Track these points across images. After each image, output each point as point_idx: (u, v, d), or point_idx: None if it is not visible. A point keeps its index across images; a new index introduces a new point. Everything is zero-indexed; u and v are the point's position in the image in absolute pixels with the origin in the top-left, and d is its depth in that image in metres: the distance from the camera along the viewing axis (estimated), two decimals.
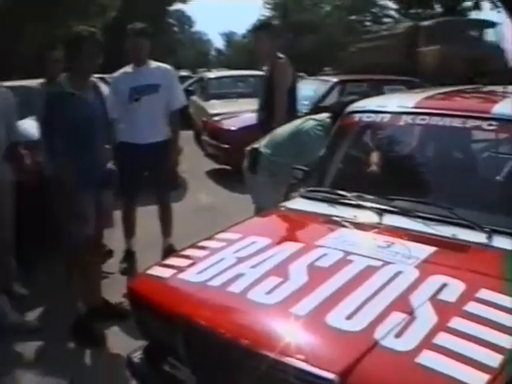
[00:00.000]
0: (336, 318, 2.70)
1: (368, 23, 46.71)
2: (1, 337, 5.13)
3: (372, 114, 4.39)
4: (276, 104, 6.45)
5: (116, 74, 6.81)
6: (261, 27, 6.83)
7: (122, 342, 5.00)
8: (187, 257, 3.59)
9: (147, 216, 7.06)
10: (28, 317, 5.74)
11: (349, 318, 2.69)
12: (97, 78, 5.57)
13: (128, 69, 6.69)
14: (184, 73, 29.62)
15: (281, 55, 6.69)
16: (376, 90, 11.90)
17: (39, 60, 6.35)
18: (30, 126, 6.21)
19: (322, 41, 47.10)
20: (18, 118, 5.89)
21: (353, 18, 47.47)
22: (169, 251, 6.44)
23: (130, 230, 6.91)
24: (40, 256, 6.62)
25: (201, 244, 3.74)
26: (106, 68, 6.07)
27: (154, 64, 6.70)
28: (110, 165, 5.33)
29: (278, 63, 6.62)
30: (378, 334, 2.56)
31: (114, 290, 5.88)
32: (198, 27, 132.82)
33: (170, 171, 6.84)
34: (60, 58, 5.77)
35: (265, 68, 6.92)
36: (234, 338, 2.79)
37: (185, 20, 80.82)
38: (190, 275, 3.33)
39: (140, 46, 6.48)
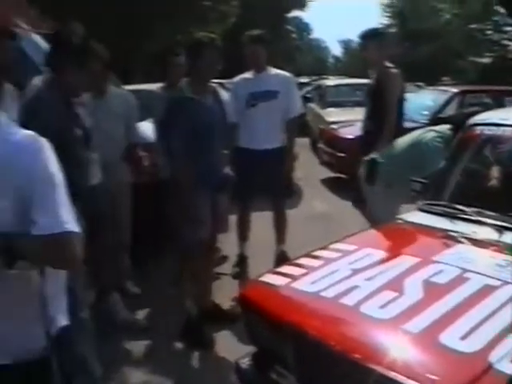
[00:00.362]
0: (450, 337, 2.63)
1: (489, 32, 45.54)
2: (112, 334, 5.22)
3: (494, 127, 4.27)
4: (386, 114, 6.35)
5: (236, 79, 6.88)
6: (368, 35, 6.75)
7: (229, 346, 5.04)
8: (301, 266, 3.58)
9: (261, 221, 7.09)
10: (139, 315, 5.86)
11: (463, 338, 2.62)
12: (215, 83, 5.63)
13: (248, 74, 6.74)
14: (303, 80, 29.61)
15: (389, 64, 6.59)
16: (496, 101, 11.59)
17: (162, 64, 6.47)
18: (147, 129, 6.34)
19: (441, 50, 46.20)
20: (137, 120, 6.03)
21: (473, 26, 46.34)
22: (281, 258, 6.48)
23: (243, 234, 6.96)
24: (154, 256, 6.78)
25: (315, 253, 3.72)
26: (225, 74, 6.14)
27: (273, 71, 6.72)
28: (227, 169, 5.38)
29: (388, 72, 6.52)
30: (492, 356, 2.47)
31: (224, 293, 5.94)
32: (315, 34, 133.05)
33: (285, 178, 6.83)
34: (182, 63, 5.86)
35: (372, 76, 6.83)
36: (344, 350, 2.76)
37: (303, 27, 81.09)
38: (304, 284, 3.32)
39: (257, 52, 6.51)
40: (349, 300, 3.06)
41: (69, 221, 2.23)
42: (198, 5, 22.01)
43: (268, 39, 6.70)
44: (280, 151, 6.58)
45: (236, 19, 26.29)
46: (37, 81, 4.10)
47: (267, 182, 6.67)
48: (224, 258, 7.00)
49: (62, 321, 2.46)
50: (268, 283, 3.46)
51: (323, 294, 3.17)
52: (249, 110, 6.49)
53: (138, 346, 5.31)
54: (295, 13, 54.26)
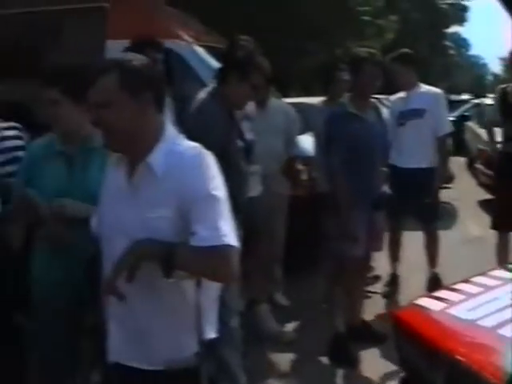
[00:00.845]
0: None
1: None
2: (258, 344, 5.28)
3: None
4: None
5: (392, 98, 6.88)
6: None
7: (375, 367, 4.99)
8: (458, 291, 3.49)
9: (413, 241, 6.94)
10: (286, 328, 5.87)
11: None
12: (374, 99, 5.60)
13: (401, 93, 6.72)
14: (463, 97, 28.89)
15: None
16: None
17: (325, 78, 6.53)
18: (306, 142, 6.37)
19: None
20: (297, 133, 6.07)
21: None
22: (434, 280, 6.37)
23: (395, 253, 6.85)
24: (307, 270, 6.79)
25: (474, 279, 3.62)
26: (384, 89, 6.09)
27: (423, 88, 6.65)
28: (385, 187, 5.33)
29: None
30: None
31: (375, 312, 5.93)
32: (474, 51, 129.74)
33: (434, 199, 6.64)
34: (344, 78, 5.88)
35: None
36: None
37: (461, 43, 79.24)
38: (461, 311, 3.23)
39: (399, 72, 6.50)
40: (508, 331, 2.94)
41: (228, 234, 2.24)
42: (355, 20, 21.97)
43: (413, 58, 6.70)
44: (429, 171, 6.43)
45: (394, 34, 26.02)
46: (202, 93, 4.20)
47: (416, 202, 6.52)
48: (376, 278, 6.93)
49: (213, 330, 2.49)
50: (424, 307, 3.39)
51: (480, 322, 3.08)
52: (398, 129, 6.42)
53: (282, 358, 5.34)
54: (454, 28, 53.16)
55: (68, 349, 3.33)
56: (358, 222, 5.07)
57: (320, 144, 5.65)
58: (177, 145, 2.40)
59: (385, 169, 5.44)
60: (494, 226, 6.65)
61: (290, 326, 5.93)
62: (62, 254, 3.23)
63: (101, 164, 2.82)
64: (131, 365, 2.44)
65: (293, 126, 5.96)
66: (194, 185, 2.28)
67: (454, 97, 26.35)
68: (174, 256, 2.20)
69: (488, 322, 3.06)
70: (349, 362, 5.19)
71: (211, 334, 2.45)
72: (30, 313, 3.47)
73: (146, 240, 2.25)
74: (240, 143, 4.14)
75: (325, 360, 5.28)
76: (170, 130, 2.45)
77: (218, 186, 2.33)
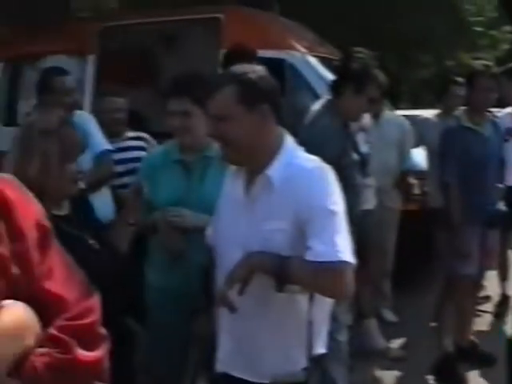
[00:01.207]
0: None
1: None
2: (364, 359, 5.20)
3: None
4: None
5: (501, 113, 6.66)
6: None
7: None
8: None
9: None
10: (393, 344, 5.77)
11: None
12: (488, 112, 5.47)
13: (510, 108, 6.56)
14: None
15: None
16: None
17: (438, 91, 6.44)
18: (420, 156, 6.29)
19: None
20: (411, 147, 6.02)
21: None
22: None
23: (504, 272, 6.65)
24: (417, 285, 6.67)
25: None
26: (499, 103, 5.94)
27: None
28: (501, 204, 5.18)
29: None
30: None
31: (484, 332, 5.79)
32: None
33: None
34: (459, 93, 5.77)
35: None
36: None
37: None
38: None
39: (505, 85, 6.26)
40: None
41: (345, 250, 2.20)
42: (468, 31, 21.54)
43: None
44: None
45: (510, 45, 25.36)
46: (317, 105, 4.19)
47: None
48: (487, 298, 6.73)
49: (322, 345, 2.46)
50: None
51: None
52: (504, 145, 6.23)
53: (388, 375, 5.28)
54: None
55: (177, 355, 3.36)
56: (471, 238, 4.93)
57: (433, 158, 5.56)
58: (296, 157, 2.39)
59: (501, 185, 5.29)
60: None
61: (397, 343, 5.83)
62: (179, 262, 3.26)
63: (218, 174, 2.83)
64: (239, 376, 2.45)
65: (407, 139, 5.92)
66: (312, 199, 2.26)
67: None
68: (287, 270, 2.19)
69: None
70: (456, 382, 5.07)
71: (321, 349, 2.44)
72: (140, 316, 3.52)
73: (260, 253, 2.25)
74: (355, 156, 4.11)
75: (431, 379, 5.17)
76: (289, 142, 2.44)
77: (336, 200, 2.30)
